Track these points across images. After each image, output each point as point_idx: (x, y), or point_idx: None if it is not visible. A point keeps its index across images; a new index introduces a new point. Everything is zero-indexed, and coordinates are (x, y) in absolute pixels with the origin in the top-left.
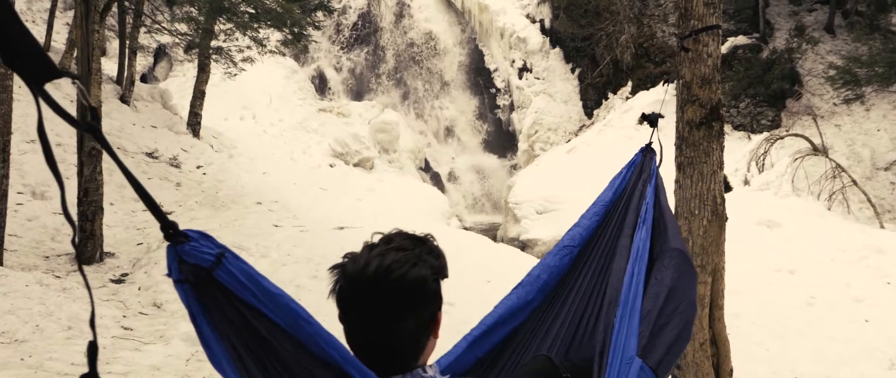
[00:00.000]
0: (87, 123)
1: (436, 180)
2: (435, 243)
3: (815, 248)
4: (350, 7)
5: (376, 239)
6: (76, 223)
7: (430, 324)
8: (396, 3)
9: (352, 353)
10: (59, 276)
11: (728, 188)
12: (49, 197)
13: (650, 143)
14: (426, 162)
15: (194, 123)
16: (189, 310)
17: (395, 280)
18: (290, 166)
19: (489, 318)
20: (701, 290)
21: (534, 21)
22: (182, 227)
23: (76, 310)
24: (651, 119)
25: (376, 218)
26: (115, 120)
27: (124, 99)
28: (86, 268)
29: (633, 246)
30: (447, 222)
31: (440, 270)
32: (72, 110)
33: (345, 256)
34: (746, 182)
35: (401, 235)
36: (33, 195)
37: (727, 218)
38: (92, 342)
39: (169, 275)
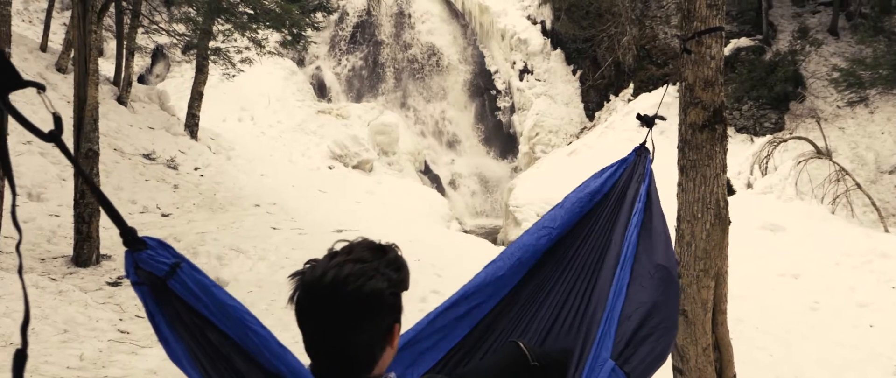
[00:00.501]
0: (49, 132)
1: (436, 183)
2: (397, 254)
3: (819, 253)
4: (348, 13)
5: (339, 246)
6: (22, 231)
7: (386, 335)
8: (396, 3)
9: (310, 360)
10: (54, 279)
11: (731, 191)
12: (45, 199)
13: (644, 143)
14: (426, 164)
15: (192, 125)
16: (147, 309)
17: (350, 292)
18: (289, 168)
19: (455, 294)
20: (704, 294)
21: (535, 22)
22: (179, 229)
23: (72, 313)
24: (647, 120)
25: (375, 220)
26: (111, 121)
27: (121, 100)
28: (83, 270)
29: (622, 250)
30: (447, 225)
31: (399, 284)
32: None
33: (306, 263)
34: (749, 185)
35: (362, 246)
36: (29, 197)
37: (730, 221)
38: (19, 350)
39: (126, 276)
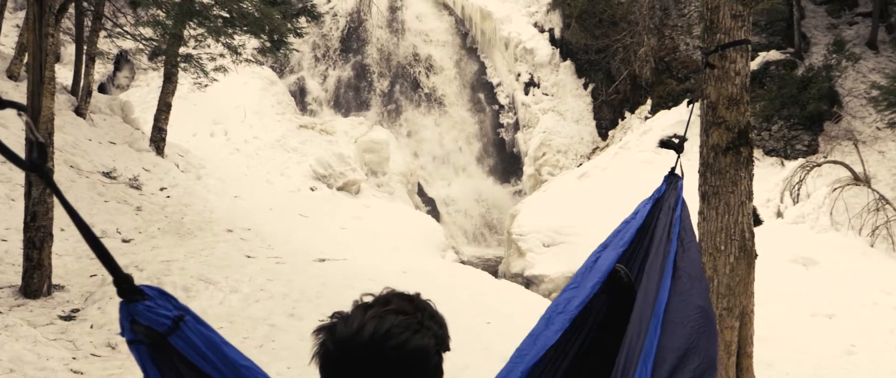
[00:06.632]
0: (31, 161)
1: (430, 207)
2: (435, 308)
3: (857, 290)
4: (337, 14)
5: (368, 299)
6: None
7: None
8: (389, 8)
9: None
10: (0, 312)
11: (758, 221)
12: None
13: (674, 168)
14: (419, 186)
15: (158, 140)
16: (144, 371)
17: (393, 348)
18: (266, 189)
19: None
20: (727, 335)
21: (542, 31)
22: (142, 256)
23: (19, 350)
24: (674, 145)
25: (363, 249)
26: (68, 134)
27: (80, 111)
28: (32, 302)
29: (659, 291)
30: (442, 255)
31: (443, 341)
32: (18, 122)
33: (332, 316)
34: (779, 214)
35: (399, 297)
36: None
37: (757, 255)
38: None
39: (122, 334)
